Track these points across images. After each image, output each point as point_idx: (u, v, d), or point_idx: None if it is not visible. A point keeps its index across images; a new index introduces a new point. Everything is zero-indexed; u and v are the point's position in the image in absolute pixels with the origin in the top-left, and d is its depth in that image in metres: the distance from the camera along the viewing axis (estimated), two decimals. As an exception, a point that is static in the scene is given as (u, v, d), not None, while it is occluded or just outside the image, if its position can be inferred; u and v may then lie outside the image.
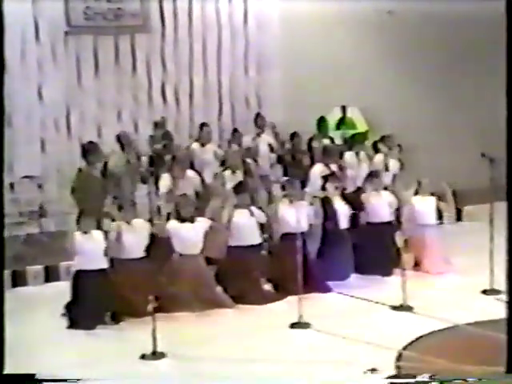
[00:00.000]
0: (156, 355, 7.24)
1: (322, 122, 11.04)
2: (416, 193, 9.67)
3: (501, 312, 8.07)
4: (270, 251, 9.10)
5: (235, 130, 10.68)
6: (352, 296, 8.86)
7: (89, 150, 9.20)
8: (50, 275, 9.23)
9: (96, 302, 7.91)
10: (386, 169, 10.12)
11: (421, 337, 7.59)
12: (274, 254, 9.01)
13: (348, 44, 11.93)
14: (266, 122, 10.69)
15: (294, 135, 10.49)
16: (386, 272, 9.28)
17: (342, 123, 11.84)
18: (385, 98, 11.83)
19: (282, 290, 8.72)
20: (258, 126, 10.64)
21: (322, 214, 9.19)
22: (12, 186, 10.12)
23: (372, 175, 9.70)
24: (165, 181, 9.24)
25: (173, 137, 10.33)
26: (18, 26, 10.26)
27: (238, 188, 8.94)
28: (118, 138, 9.84)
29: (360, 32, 11.96)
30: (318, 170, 9.79)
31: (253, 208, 8.86)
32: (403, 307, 8.35)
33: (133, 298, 7.96)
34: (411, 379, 3.42)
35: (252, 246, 8.74)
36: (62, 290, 8.46)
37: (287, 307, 8.39)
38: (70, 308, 8.00)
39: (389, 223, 9.52)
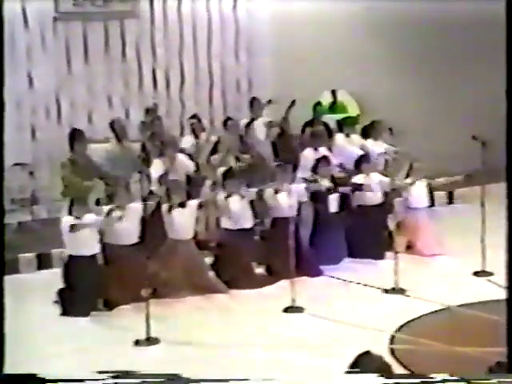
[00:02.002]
0: (150, 341, 7.26)
1: (317, 105, 11.03)
2: (407, 176, 9.68)
3: (492, 293, 8.14)
4: (262, 236, 9.10)
5: (228, 118, 10.63)
6: (344, 280, 8.88)
7: (74, 138, 9.18)
8: (43, 263, 9.21)
9: (89, 289, 7.89)
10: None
11: (413, 319, 7.63)
12: (266, 237, 9.01)
13: (339, 28, 11.89)
14: (262, 106, 10.66)
15: (284, 119, 10.49)
16: (378, 255, 9.30)
17: (333, 107, 11.83)
18: (376, 82, 11.82)
19: (274, 274, 8.74)
20: (254, 111, 10.62)
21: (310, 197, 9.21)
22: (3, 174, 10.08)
23: (362, 159, 9.70)
24: (156, 165, 9.23)
25: (162, 122, 10.31)
26: (7, 11, 10.15)
27: (227, 174, 8.93)
28: (112, 125, 9.81)
29: (351, 17, 11.92)
30: (307, 154, 9.79)
31: (242, 190, 8.84)
32: (395, 290, 8.38)
33: (125, 284, 7.95)
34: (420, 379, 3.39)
35: (244, 229, 8.74)
36: (55, 277, 8.43)
37: (280, 291, 8.40)
38: (62, 295, 7.99)
39: (380, 205, 9.53)
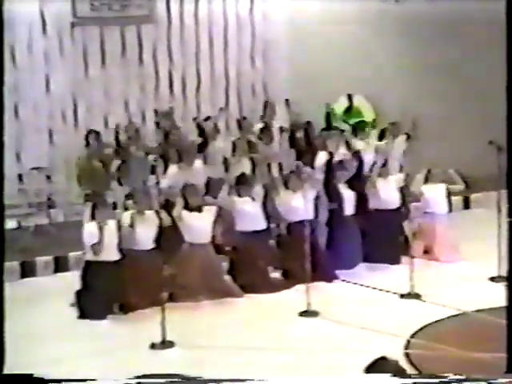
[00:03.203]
0: (165, 344, 7.28)
1: (329, 116, 11.04)
2: (426, 181, 9.67)
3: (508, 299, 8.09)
4: (278, 239, 9.12)
5: (244, 118, 10.67)
6: (360, 284, 8.87)
7: (90, 139, 9.28)
8: (60, 266, 9.27)
9: (106, 293, 7.94)
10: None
11: (429, 324, 7.61)
12: (282, 241, 9.03)
13: (355, 32, 11.89)
14: (275, 111, 10.68)
15: (308, 123, 10.45)
16: (394, 260, 9.28)
17: (348, 111, 11.83)
18: (393, 87, 11.80)
19: (290, 278, 8.75)
20: (267, 115, 10.63)
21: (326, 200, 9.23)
22: (20, 177, 10.16)
23: (378, 163, 9.70)
24: (171, 171, 9.28)
25: (178, 127, 10.35)
26: (25, 17, 10.27)
27: (241, 179, 8.96)
28: (126, 129, 9.88)
29: (366, 22, 11.92)
30: (323, 157, 9.80)
31: (253, 192, 8.84)
32: (411, 295, 8.36)
33: (142, 289, 7.99)
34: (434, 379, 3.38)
35: (258, 231, 8.75)
36: (72, 280, 8.50)
37: (295, 296, 8.40)
38: (79, 298, 8.04)
39: (397, 210, 9.52)
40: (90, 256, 8.03)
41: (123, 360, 6.86)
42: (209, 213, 8.52)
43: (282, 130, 10.36)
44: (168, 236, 8.32)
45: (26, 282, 9.05)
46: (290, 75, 11.60)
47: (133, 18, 10.94)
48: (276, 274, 8.89)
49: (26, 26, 10.32)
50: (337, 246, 9.18)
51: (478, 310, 7.89)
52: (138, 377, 3.46)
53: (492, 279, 8.76)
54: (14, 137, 10.32)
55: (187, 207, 8.47)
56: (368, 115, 11.85)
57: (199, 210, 8.48)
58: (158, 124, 10.41)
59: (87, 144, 9.53)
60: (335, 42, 11.71)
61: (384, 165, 9.66)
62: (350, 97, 11.85)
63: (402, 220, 9.37)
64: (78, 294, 8.06)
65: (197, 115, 11.36)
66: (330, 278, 8.87)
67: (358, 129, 10.71)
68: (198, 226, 8.44)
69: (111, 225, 8.05)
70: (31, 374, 3.67)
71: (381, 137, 10.46)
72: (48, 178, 10.34)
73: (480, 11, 11.36)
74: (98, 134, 9.67)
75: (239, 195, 8.78)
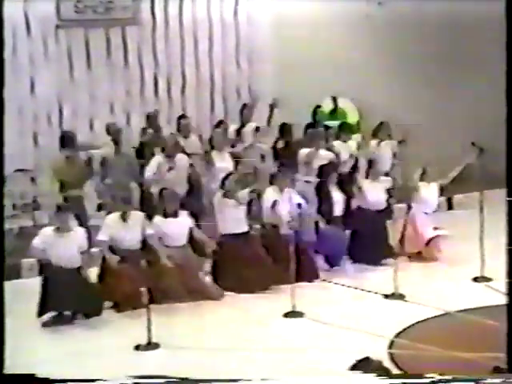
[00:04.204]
0: (150, 346, 7.27)
1: (317, 108, 11.06)
2: (421, 179, 9.67)
3: (491, 299, 8.15)
4: (263, 241, 9.11)
5: (221, 122, 10.65)
6: (344, 285, 8.90)
7: (65, 140, 9.17)
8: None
9: (65, 299, 7.76)
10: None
11: (412, 324, 7.63)
12: (266, 242, 9.02)
13: (339, 35, 11.92)
14: (252, 113, 10.72)
15: (284, 125, 10.50)
16: (379, 260, 9.31)
17: (333, 113, 11.85)
18: (377, 89, 11.84)
19: (271, 279, 8.73)
20: (244, 117, 10.66)
21: (316, 201, 9.24)
22: (4, 179, 10.09)
23: (369, 164, 9.67)
24: (155, 160, 9.26)
25: (159, 127, 10.35)
26: (9, 19, 10.21)
27: (225, 179, 8.94)
28: (107, 130, 9.82)
29: (351, 24, 11.96)
30: (304, 153, 9.78)
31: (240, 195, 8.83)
32: (395, 295, 8.38)
33: (126, 290, 7.99)
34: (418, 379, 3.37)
35: (241, 234, 8.79)
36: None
37: (280, 296, 8.40)
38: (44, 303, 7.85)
39: (383, 210, 9.53)
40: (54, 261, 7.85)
41: (108, 362, 6.83)
42: (184, 219, 8.52)
43: (257, 129, 10.36)
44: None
45: (10, 284, 8.99)
46: (275, 77, 11.59)
47: (117, 20, 10.91)
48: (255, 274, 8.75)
49: (10, 27, 10.27)
50: (324, 244, 9.17)
51: (461, 310, 7.92)
52: (138, 377, 3.43)
53: (475, 279, 8.80)
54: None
55: (164, 213, 8.48)
56: (352, 117, 11.88)
57: (175, 215, 8.49)
58: (143, 128, 10.36)
59: (62, 146, 9.35)
60: (320, 44, 11.72)
61: (370, 166, 9.65)
62: (334, 99, 11.87)
63: (388, 219, 9.40)
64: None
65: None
66: (311, 277, 8.87)
67: (342, 130, 10.73)
68: (173, 232, 8.46)
69: (76, 232, 7.92)
70: (31, 374, 3.62)
71: (373, 136, 10.49)
72: (32, 180, 10.30)
73: (470, 12, 11.41)
74: (72, 135, 9.53)
75: (226, 196, 8.77)
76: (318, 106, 11.36)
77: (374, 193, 9.51)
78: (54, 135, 10.56)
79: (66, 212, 7.94)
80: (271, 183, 9.18)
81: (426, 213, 9.62)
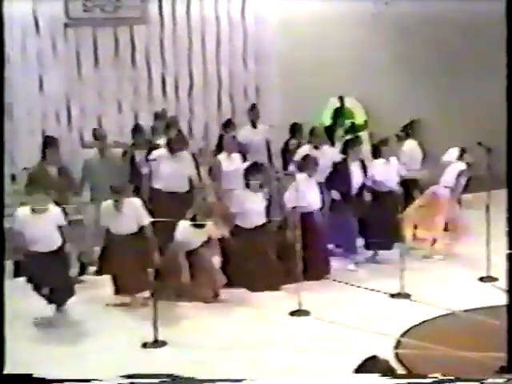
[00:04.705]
0: (157, 344, 7.29)
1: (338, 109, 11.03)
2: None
3: (497, 298, 8.13)
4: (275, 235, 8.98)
5: (229, 121, 10.64)
6: (351, 284, 8.90)
7: (47, 145, 9.01)
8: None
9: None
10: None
11: (418, 324, 7.63)
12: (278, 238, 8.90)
13: (345, 35, 11.90)
14: (259, 114, 10.72)
15: (294, 125, 10.47)
16: (391, 244, 9.25)
17: (340, 113, 11.84)
18: (383, 89, 11.83)
19: (282, 276, 8.68)
20: (252, 118, 10.66)
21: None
22: (14, 177, 10.12)
23: (381, 143, 9.52)
24: (157, 152, 9.22)
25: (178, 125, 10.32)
26: (18, 18, 10.25)
27: (251, 169, 8.88)
28: (94, 134, 9.67)
29: (358, 24, 11.94)
30: (302, 150, 9.70)
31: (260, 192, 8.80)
32: (401, 295, 8.39)
33: (126, 273, 8.06)
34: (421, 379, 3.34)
35: (255, 228, 8.72)
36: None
37: (286, 295, 8.41)
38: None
39: (393, 193, 9.40)
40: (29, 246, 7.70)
41: (115, 359, 6.85)
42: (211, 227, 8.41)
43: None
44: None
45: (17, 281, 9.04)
46: (281, 76, 11.59)
47: (125, 19, 10.90)
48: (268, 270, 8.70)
49: (20, 26, 10.30)
50: (336, 226, 9.17)
51: (467, 310, 7.92)
52: (137, 376, 3.43)
53: (481, 279, 8.79)
54: (8, 137, 10.26)
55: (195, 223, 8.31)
56: (360, 117, 11.86)
57: (203, 226, 8.34)
58: (152, 127, 10.35)
59: (44, 151, 9.07)
60: (327, 44, 11.71)
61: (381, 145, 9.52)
62: (341, 98, 11.86)
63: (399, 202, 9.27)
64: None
65: (189, 116, 11.38)
66: (320, 275, 8.85)
67: (352, 131, 10.71)
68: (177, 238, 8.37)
69: (51, 211, 7.72)
70: (31, 374, 3.57)
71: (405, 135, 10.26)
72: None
73: (472, 11, 11.40)
74: (54, 139, 9.34)
75: (248, 186, 8.70)
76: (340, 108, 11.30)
77: (384, 172, 9.36)
78: (62, 133, 10.59)
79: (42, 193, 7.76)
80: (300, 170, 9.02)
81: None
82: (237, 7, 11.57)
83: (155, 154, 9.25)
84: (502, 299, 8.06)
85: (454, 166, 9.60)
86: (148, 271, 7.43)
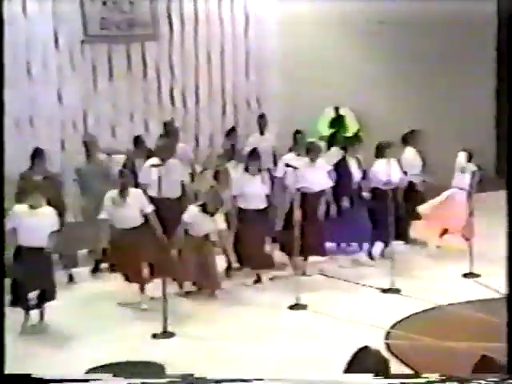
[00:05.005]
0: (166, 334, 7.29)
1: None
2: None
3: (479, 293, 8.19)
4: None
5: (232, 129, 10.56)
6: (345, 280, 8.90)
7: (34, 156, 8.80)
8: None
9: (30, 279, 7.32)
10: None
11: (407, 317, 7.65)
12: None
13: (341, 49, 11.93)
14: (267, 123, 10.71)
15: (297, 132, 10.35)
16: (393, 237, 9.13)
17: (334, 123, 11.85)
18: (374, 99, 11.84)
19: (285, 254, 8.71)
20: (260, 126, 10.66)
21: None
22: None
23: (382, 145, 9.36)
24: (147, 164, 8.80)
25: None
26: (40, 36, 10.30)
27: (251, 155, 8.84)
28: (84, 142, 9.41)
29: (352, 37, 11.94)
30: (286, 157, 9.45)
31: (263, 176, 8.68)
32: (391, 290, 8.39)
33: (126, 265, 7.90)
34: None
35: (258, 210, 8.55)
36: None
37: (286, 290, 8.39)
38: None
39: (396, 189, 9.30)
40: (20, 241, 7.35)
41: (127, 350, 6.85)
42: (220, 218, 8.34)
43: None
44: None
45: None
46: (281, 89, 11.62)
47: (138, 36, 10.93)
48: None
49: (42, 44, 10.34)
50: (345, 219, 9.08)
51: (451, 304, 7.94)
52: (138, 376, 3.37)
53: (465, 276, 8.81)
54: (29, 145, 10.30)
55: (205, 209, 8.13)
56: (352, 127, 11.86)
57: (214, 214, 8.17)
58: (161, 135, 10.34)
59: (33, 162, 8.85)
60: (324, 58, 11.72)
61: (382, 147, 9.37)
62: (336, 109, 11.88)
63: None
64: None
65: (196, 125, 11.41)
66: (321, 252, 8.87)
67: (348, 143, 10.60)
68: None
69: (46, 210, 7.47)
70: (31, 374, 3.47)
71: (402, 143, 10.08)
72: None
73: (468, 11, 11.37)
74: (42, 150, 9.06)
75: (247, 170, 8.61)
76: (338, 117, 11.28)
77: (386, 170, 9.13)
78: (79, 141, 10.60)
79: (38, 193, 7.53)
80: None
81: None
82: (240, 24, 11.61)
83: (146, 164, 8.92)
84: (484, 294, 8.16)
85: (464, 169, 9.48)
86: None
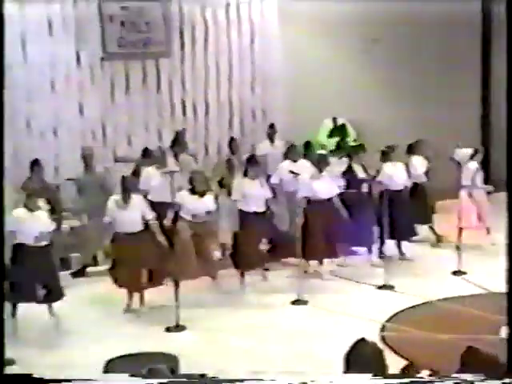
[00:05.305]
0: (178, 328, 7.32)
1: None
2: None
3: (466, 289, 8.22)
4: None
5: (232, 139, 10.50)
6: (342, 277, 8.91)
7: (32, 167, 8.79)
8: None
9: (33, 275, 7.23)
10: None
11: (401, 311, 7.67)
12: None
13: (338, 62, 11.93)
14: (276, 131, 10.74)
15: (308, 143, 10.34)
16: (410, 235, 9.26)
17: (333, 133, 11.88)
18: (370, 109, 11.81)
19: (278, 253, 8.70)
20: (270, 135, 10.72)
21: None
22: (58, 187, 10.15)
23: (389, 149, 9.40)
24: (146, 171, 8.87)
25: (186, 143, 10.29)
26: (63, 54, 10.36)
27: (250, 160, 8.86)
28: (81, 153, 9.38)
29: (349, 51, 11.95)
30: (284, 164, 9.42)
31: (261, 180, 8.62)
32: (386, 286, 8.41)
33: (130, 268, 7.61)
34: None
35: (258, 212, 8.46)
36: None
37: (288, 287, 8.41)
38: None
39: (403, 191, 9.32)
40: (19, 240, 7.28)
41: (141, 343, 6.84)
42: (209, 197, 8.24)
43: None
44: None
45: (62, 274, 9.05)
46: (285, 101, 11.65)
47: (152, 53, 10.97)
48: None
49: (65, 61, 10.39)
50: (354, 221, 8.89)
51: (441, 299, 7.96)
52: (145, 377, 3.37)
53: (454, 273, 8.83)
54: (53, 153, 10.38)
55: (193, 191, 8.12)
56: (350, 136, 11.86)
57: (203, 194, 8.19)
58: (173, 144, 10.38)
59: (31, 172, 8.76)
60: (324, 72, 11.75)
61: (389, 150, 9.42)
62: (334, 119, 11.90)
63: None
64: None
65: (205, 134, 11.46)
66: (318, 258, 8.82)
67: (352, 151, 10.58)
68: (195, 208, 8.09)
69: (41, 212, 7.41)
70: (31, 374, 3.26)
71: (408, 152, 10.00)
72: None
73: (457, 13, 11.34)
74: (39, 162, 9.03)
75: (246, 175, 8.54)
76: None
77: (394, 174, 9.22)
78: (98, 150, 10.66)
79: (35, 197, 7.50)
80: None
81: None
82: (246, 42, 11.66)
83: (144, 172, 8.94)
84: (470, 290, 8.19)
85: (468, 166, 9.49)
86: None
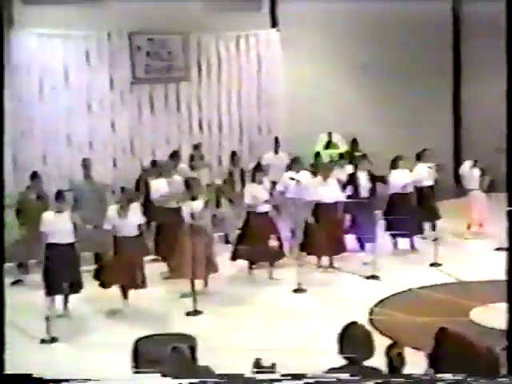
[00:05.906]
0: (196, 312, 7.31)
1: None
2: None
3: (441, 279, 8.21)
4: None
5: (234, 153, 10.40)
6: (336, 268, 8.87)
7: (32, 178, 8.56)
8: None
9: (62, 270, 7.04)
10: None
11: (386, 298, 7.66)
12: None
13: (332, 82, 11.92)
14: (280, 144, 10.73)
15: (317, 153, 10.30)
16: (414, 233, 9.23)
17: (328, 145, 11.88)
18: (363, 124, 11.77)
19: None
20: (275, 146, 10.74)
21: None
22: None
23: (397, 158, 9.33)
24: (155, 183, 8.68)
25: (203, 155, 10.32)
26: (98, 79, 10.44)
27: (256, 168, 8.91)
28: (83, 164, 9.16)
29: (342, 73, 11.94)
30: (288, 174, 9.26)
31: (265, 183, 8.54)
32: (373, 277, 8.40)
33: (124, 270, 7.27)
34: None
35: (262, 212, 8.36)
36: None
37: (290, 277, 8.36)
38: (45, 276, 7.09)
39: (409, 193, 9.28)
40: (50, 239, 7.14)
41: (164, 326, 6.85)
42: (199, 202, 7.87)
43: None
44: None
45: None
46: (287, 117, 11.67)
47: (174, 78, 11.03)
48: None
49: (100, 85, 10.46)
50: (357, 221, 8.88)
51: (420, 287, 7.94)
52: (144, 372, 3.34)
53: (431, 265, 8.81)
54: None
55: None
56: (343, 148, 11.83)
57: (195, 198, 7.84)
58: (191, 155, 10.40)
59: (31, 182, 8.47)
60: (323, 95, 11.72)
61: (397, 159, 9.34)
62: (329, 134, 11.89)
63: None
64: (45, 273, 7.10)
65: (219, 148, 11.48)
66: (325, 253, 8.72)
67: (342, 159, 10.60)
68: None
69: (65, 214, 7.23)
70: (31, 374, 3.04)
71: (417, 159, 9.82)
72: (113, 192, 10.34)
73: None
74: (38, 173, 8.60)
75: (254, 181, 8.44)
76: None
77: (400, 178, 9.19)
78: (127, 161, 10.71)
79: (63, 197, 7.36)
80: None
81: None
82: (253, 68, 11.69)
83: (153, 182, 8.76)
84: (444, 279, 8.17)
85: (470, 173, 9.66)
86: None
